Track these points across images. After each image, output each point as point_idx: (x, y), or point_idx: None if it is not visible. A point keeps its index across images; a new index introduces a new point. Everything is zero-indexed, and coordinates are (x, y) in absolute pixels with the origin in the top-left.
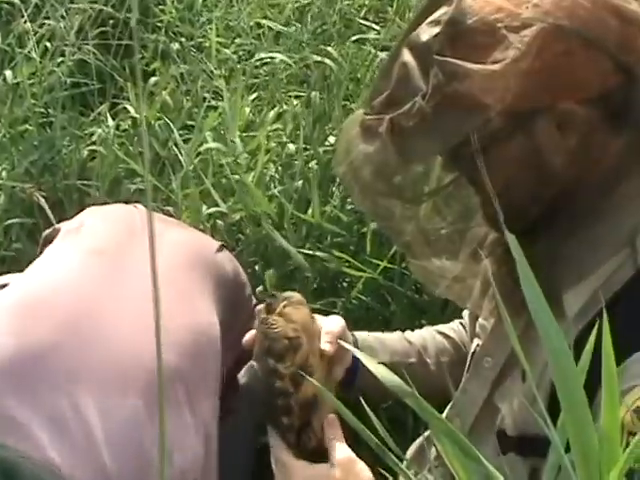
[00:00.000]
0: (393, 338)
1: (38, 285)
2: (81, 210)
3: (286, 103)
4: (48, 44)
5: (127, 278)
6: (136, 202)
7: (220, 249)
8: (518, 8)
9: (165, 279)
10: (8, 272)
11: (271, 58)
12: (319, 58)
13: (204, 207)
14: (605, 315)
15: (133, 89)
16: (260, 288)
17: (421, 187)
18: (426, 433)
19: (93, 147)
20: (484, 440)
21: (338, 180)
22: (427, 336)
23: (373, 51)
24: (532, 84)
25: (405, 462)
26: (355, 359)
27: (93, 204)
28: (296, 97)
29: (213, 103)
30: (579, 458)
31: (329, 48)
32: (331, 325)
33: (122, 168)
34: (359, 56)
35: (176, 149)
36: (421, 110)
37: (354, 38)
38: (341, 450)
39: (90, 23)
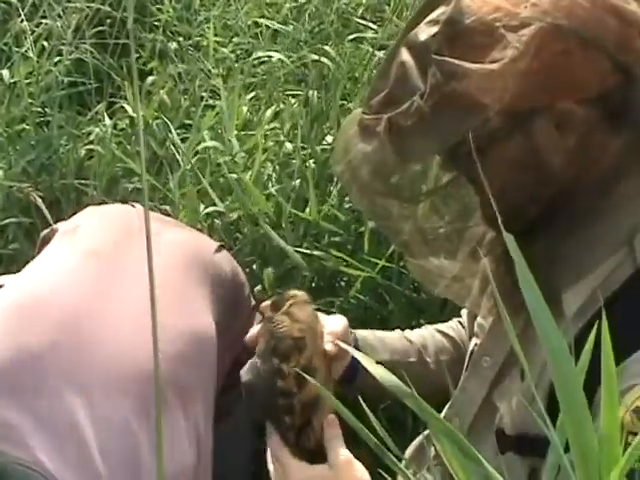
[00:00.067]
0: (393, 337)
1: (34, 286)
2: (79, 209)
3: (284, 102)
4: (45, 43)
5: (124, 279)
6: (133, 201)
7: (219, 250)
8: (516, 8)
9: (162, 280)
10: (5, 272)
11: (268, 57)
12: (317, 57)
13: (201, 206)
14: (604, 314)
15: (130, 88)
16: (258, 287)
17: (419, 186)
18: (425, 432)
19: (90, 146)
20: (483, 439)
21: (336, 179)
22: (427, 335)
23: (371, 50)
24: (530, 84)
25: (404, 462)
26: (355, 358)
27: (90, 203)
28: (294, 96)
29: (211, 102)
30: (578, 458)
31: (327, 47)
32: (334, 325)
33: (119, 167)
34: (357, 55)
35: (174, 148)
36: (419, 110)
37: (352, 37)
38: (340, 451)
39: (87, 22)
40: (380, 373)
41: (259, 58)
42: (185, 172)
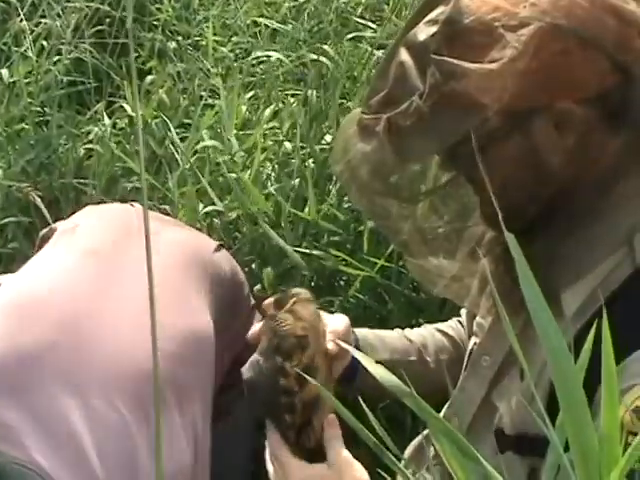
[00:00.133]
0: (393, 336)
1: (33, 285)
2: (78, 209)
3: (283, 101)
4: (44, 43)
5: (122, 278)
6: (132, 201)
7: (218, 249)
8: (515, 7)
9: (160, 279)
10: (4, 271)
11: (267, 57)
12: (316, 56)
13: (200, 205)
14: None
15: (129, 87)
16: (257, 287)
17: (418, 186)
18: (424, 432)
19: (89, 145)
20: (482, 439)
21: (335, 178)
22: (427, 334)
23: (370, 49)
24: (529, 83)
25: (403, 462)
26: (355, 357)
27: (90, 203)
28: (293, 95)
29: (210, 101)
30: (578, 458)
31: (326, 46)
32: (336, 323)
33: (119, 166)
34: (356, 54)
35: (173, 147)
36: (418, 109)
37: (350, 36)
38: (339, 451)
39: (86, 22)
40: (380, 373)
41: (258, 57)
42: (184, 171)
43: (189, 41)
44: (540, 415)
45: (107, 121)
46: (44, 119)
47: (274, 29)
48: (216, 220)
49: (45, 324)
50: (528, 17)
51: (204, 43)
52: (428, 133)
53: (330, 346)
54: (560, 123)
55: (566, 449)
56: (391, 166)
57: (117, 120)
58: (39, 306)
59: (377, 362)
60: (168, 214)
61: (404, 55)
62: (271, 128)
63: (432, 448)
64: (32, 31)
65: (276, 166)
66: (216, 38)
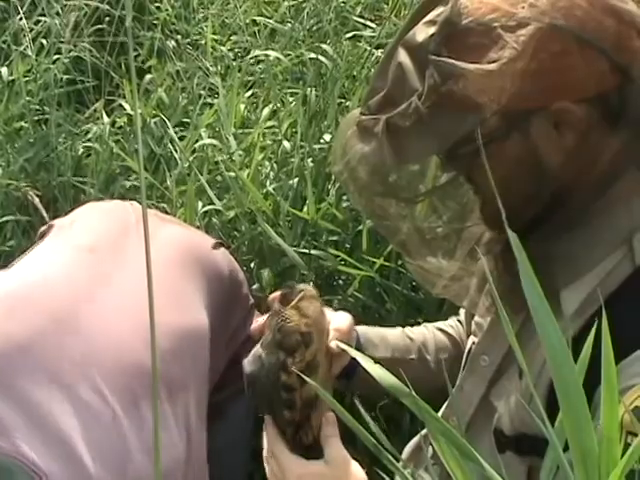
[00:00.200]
0: (395, 334)
1: (26, 276)
2: (76, 207)
3: (282, 100)
4: (44, 41)
5: (117, 274)
6: (131, 199)
7: (215, 246)
8: (514, 8)
9: (156, 276)
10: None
11: (266, 56)
12: (315, 55)
13: (199, 204)
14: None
15: (128, 86)
16: (255, 286)
17: (417, 187)
18: (423, 432)
19: (88, 144)
20: (480, 439)
21: (334, 178)
22: (427, 333)
23: (369, 49)
24: (528, 84)
25: (401, 462)
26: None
27: (88, 201)
28: (292, 94)
29: (209, 100)
30: (578, 459)
31: (325, 45)
32: (339, 321)
33: (117, 165)
34: (355, 54)
35: (171, 146)
36: (417, 110)
37: (350, 35)
38: (337, 449)
39: (86, 20)
40: (379, 373)
41: (257, 57)
42: (183, 170)
43: (188, 40)
44: (539, 415)
45: (106, 120)
46: (43, 117)
47: (273, 28)
48: (215, 219)
49: (36, 314)
50: (527, 18)
51: (203, 42)
52: (427, 134)
53: (332, 344)
54: (559, 123)
55: (565, 449)
56: (390, 167)
57: (116, 119)
58: (31, 297)
59: (378, 360)
60: (167, 213)
61: (403, 56)
62: (270, 127)
63: (430, 448)
64: (31, 29)
65: (275, 165)
66: (215, 37)
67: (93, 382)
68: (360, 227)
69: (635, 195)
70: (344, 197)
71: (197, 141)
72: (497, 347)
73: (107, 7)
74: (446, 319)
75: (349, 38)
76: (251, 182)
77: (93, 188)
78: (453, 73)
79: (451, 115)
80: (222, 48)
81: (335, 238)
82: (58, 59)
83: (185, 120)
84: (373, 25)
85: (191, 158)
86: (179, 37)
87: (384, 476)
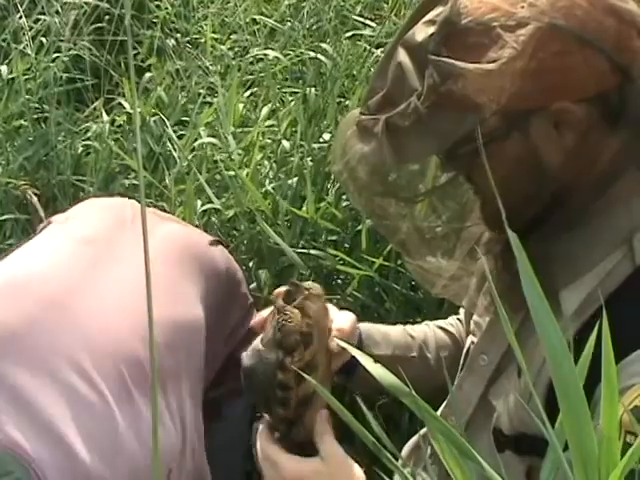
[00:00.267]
0: (397, 331)
1: (20, 269)
2: (75, 205)
3: (281, 100)
4: (43, 40)
5: (112, 265)
6: (130, 198)
7: (213, 243)
8: (514, 7)
9: (152, 270)
10: None
11: (265, 55)
12: (314, 55)
13: (198, 203)
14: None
15: (128, 85)
16: (253, 285)
17: (417, 186)
18: (422, 431)
19: (88, 142)
20: (479, 438)
21: (333, 177)
22: (428, 331)
23: (368, 48)
24: (528, 83)
25: (400, 460)
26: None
27: (87, 199)
28: (291, 94)
29: (208, 99)
30: (577, 459)
31: (324, 45)
32: (342, 321)
33: (116, 164)
34: (354, 53)
35: (170, 145)
36: (416, 110)
37: (349, 35)
38: (332, 446)
39: (85, 19)
40: (379, 372)
41: (256, 56)
42: (182, 169)
43: (188, 39)
44: (538, 415)
45: (105, 118)
46: (42, 116)
47: (273, 27)
48: (214, 218)
49: (29, 303)
50: (526, 17)
51: (203, 41)
52: (426, 134)
53: (333, 344)
54: (559, 123)
55: (565, 448)
56: (389, 167)
57: (115, 117)
58: (25, 285)
59: (378, 357)
60: (166, 211)
61: (402, 56)
62: (269, 126)
63: (429, 447)
64: (31, 28)
65: (274, 164)
66: (215, 36)
67: (84, 371)
68: (359, 227)
69: (635, 195)
70: (343, 196)
71: (196, 140)
72: (496, 346)
73: (107, 5)
74: (445, 319)
75: (349, 37)
76: (250, 181)
77: (92, 187)
78: (452, 73)
79: (451, 115)
80: (222, 47)
81: (334, 237)
82: (57, 57)
83: (184, 119)
84: (373, 24)
85: (190, 157)
86: (179, 36)
87: (383, 476)
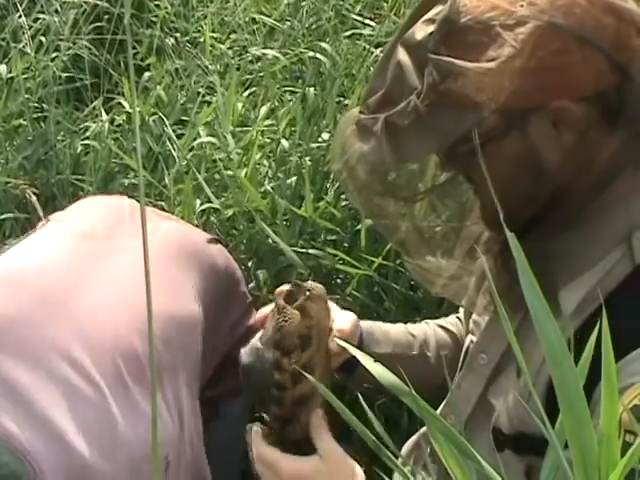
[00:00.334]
0: (398, 330)
1: (17, 262)
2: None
3: (280, 99)
4: (43, 39)
5: (109, 260)
6: (129, 198)
7: (211, 241)
8: (513, 6)
9: (150, 266)
10: None
11: (263, 54)
12: (313, 54)
13: (197, 203)
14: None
15: (127, 84)
16: (252, 285)
17: (416, 185)
18: (422, 430)
19: (87, 142)
20: (479, 437)
21: (332, 176)
22: (429, 330)
23: (368, 47)
24: (527, 82)
25: (400, 459)
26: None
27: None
28: (290, 93)
29: (207, 98)
30: (577, 458)
31: (323, 44)
32: (343, 322)
33: (116, 163)
34: (354, 52)
35: (170, 144)
36: (416, 109)
37: (349, 34)
38: (330, 442)
39: (84, 18)
40: (379, 372)
41: (255, 55)
42: (181, 168)
43: (187, 38)
44: (538, 414)
45: (105, 117)
46: (42, 115)
47: (272, 26)
48: (213, 217)
49: (25, 296)
50: (526, 16)
51: (202, 40)
52: (426, 133)
53: (332, 344)
54: (558, 122)
55: (564, 447)
56: (389, 165)
57: (115, 117)
58: (21, 279)
59: (379, 356)
60: (165, 211)
61: (402, 54)
62: (268, 126)
63: (429, 446)
64: (30, 27)
65: (273, 164)
66: (214, 35)
67: (80, 363)
68: (358, 226)
69: (634, 194)
70: (342, 196)
71: (195, 139)
72: (495, 345)
73: (106, 5)
74: (445, 318)
75: (348, 36)
76: (249, 181)
77: (91, 186)
78: (452, 71)
79: (450, 113)
80: (221, 46)
81: (333, 237)
82: (57, 57)
83: (184, 118)
84: (372, 23)
85: (189, 156)
86: (178, 35)
87: (382, 475)
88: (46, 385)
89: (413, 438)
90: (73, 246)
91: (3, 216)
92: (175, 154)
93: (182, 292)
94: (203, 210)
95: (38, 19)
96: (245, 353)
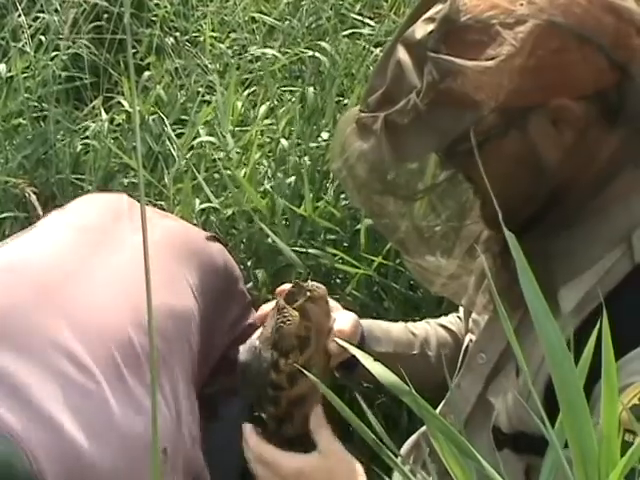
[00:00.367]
0: (399, 329)
1: (13, 255)
2: None
3: (280, 98)
4: (42, 38)
5: (107, 254)
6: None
7: (211, 239)
8: (513, 5)
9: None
10: None
11: (263, 53)
12: (313, 53)
13: (197, 202)
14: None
15: (127, 83)
16: (250, 284)
17: (416, 184)
18: (421, 429)
19: (87, 141)
20: (478, 436)
21: (332, 176)
22: (429, 329)
23: (367, 47)
24: (526, 81)
25: (400, 458)
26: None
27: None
28: (290, 92)
29: (207, 98)
30: (577, 458)
31: (323, 43)
32: (343, 323)
33: (115, 162)
34: (353, 51)
35: (169, 143)
36: (415, 107)
37: (348, 33)
38: (329, 439)
39: (84, 17)
40: (378, 371)
41: (255, 54)
42: (180, 168)
43: (187, 37)
44: (538, 413)
45: (104, 117)
46: (41, 114)
47: (272, 25)
48: (212, 217)
49: (22, 287)
50: (525, 15)
51: (202, 39)
52: (425, 131)
53: (332, 345)
54: (558, 120)
55: (564, 446)
56: (388, 164)
57: (114, 116)
58: (17, 269)
59: (380, 355)
60: (164, 210)
61: (402, 53)
62: (268, 125)
63: (428, 445)
64: (30, 26)
65: (272, 163)
66: (214, 34)
67: (74, 352)
68: (358, 225)
69: (633, 192)
70: (342, 195)
71: (195, 138)
72: (494, 345)
73: (106, 4)
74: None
75: (348, 36)
76: (248, 180)
77: (91, 185)
78: (451, 70)
79: (449, 112)
80: (220, 45)
81: (333, 236)
82: (56, 56)
83: (183, 117)
84: (372, 23)
85: (188, 155)
86: (178, 34)
87: (382, 475)
88: (41, 375)
89: (413, 437)
90: (71, 238)
91: (3, 215)
92: (175, 153)
93: (179, 287)
94: (203, 209)
95: (38, 18)
96: (243, 350)
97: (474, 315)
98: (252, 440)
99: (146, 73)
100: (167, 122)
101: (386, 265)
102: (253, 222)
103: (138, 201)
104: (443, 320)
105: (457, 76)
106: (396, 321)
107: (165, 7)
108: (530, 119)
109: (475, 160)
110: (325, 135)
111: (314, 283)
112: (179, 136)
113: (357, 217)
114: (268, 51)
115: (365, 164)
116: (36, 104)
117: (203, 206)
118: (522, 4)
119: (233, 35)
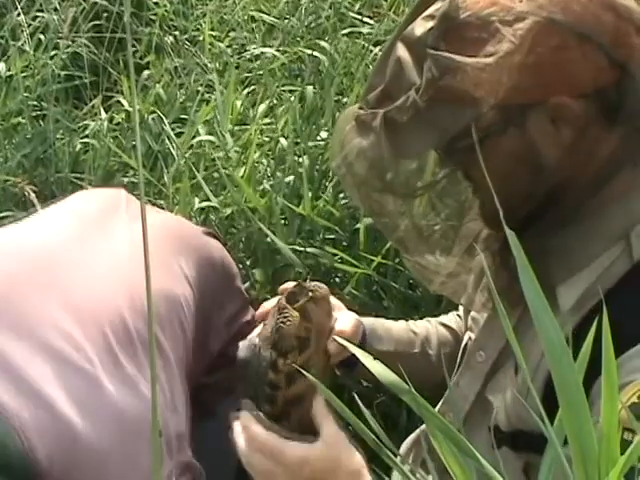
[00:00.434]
0: (400, 327)
1: (8, 235)
2: None
3: (279, 97)
4: (42, 37)
5: (104, 240)
6: None
7: (208, 233)
8: (512, 2)
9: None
10: None
11: (262, 52)
12: (312, 52)
13: (196, 201)
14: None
15: (126, 82)
16: (247, 284)
17: (415, 182)
18: (421, 428)
19: (86, 140)
20: (477, 434)
21: (331, 175)
22: (430, 327)
23: (366, 45)
24: (525, 78)
25: (399, 457)
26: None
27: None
28: (289, 91)
29: (206, 97)
30: (577, 456)
31: (322, 42)
32: (344, 324)
33: (115, 161)
34: (352, 50)
35: (169, 142)
36: (415, 104)
37: (347, 32)
38: (334, 430)
39: (84, 16)
40: (378, 370)
41: (254, 53)
42: (180, 167)
43: (186, 36)
44: (537, 411)
45: (104, 116)
46: (41, 113)
47: (271, 24)
48: (212, 216)
49: (18, 267)
50: (525, 12)
51: (201, 38)
52: (425, 128)
53: (332, 346)
54: (557, 118)
55: (563, 444)
56: (387, 161)
57: (114, 115)
58: (15, 249)
59: (381, 353)
60: (164, 209)
61: (401, 50)
62: (267, 124)
63: (428, 444)
64: (29, 25)
65: (271, 162)
66: (213, 33)
67: (68, 333)
68: (357, 225)
69: (632, 190)
70: (341, 194)
71: (194, 137)
72: (493, 343)
73: (105, 3)
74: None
75: (347, 35)
76: (247, 179)
77: (91, 184)
78: (450, 67)
79: (449, 109)
80: (220, 44)
81: (332, 236)
82: (56, 55)
83: (183, 116)
84: (371, 22)
85: (188, 154)
86: (177, 33)
87: (381, 474)
88: (35, 354)
89: (412, 436)
90: (69, 223)
91: (2, 214)
92: (174, 152)
93: (173, 274)
94: (202, 208)
95: (37, 17)
96: (243, 346)
97: (473, 313)
98: (253, 428)
99: (145, 72)
100: (166, 121)
101: (385, 264)
102: (252, 221)
103: (138, 200)
104: (444, 318)
105: (456, 73)
106: (395, 320)
107: (164, 6)
108: (529, 117)
109: (474, 157)
110: (324, 134)
111: (316, 283)
112: (178, 135)
113: (356, 216)
114: (267, 50)
115: (364, 161)
116: (35, 103)
117: (202, 205)
118: (521, 1)
119: (232, 34)
